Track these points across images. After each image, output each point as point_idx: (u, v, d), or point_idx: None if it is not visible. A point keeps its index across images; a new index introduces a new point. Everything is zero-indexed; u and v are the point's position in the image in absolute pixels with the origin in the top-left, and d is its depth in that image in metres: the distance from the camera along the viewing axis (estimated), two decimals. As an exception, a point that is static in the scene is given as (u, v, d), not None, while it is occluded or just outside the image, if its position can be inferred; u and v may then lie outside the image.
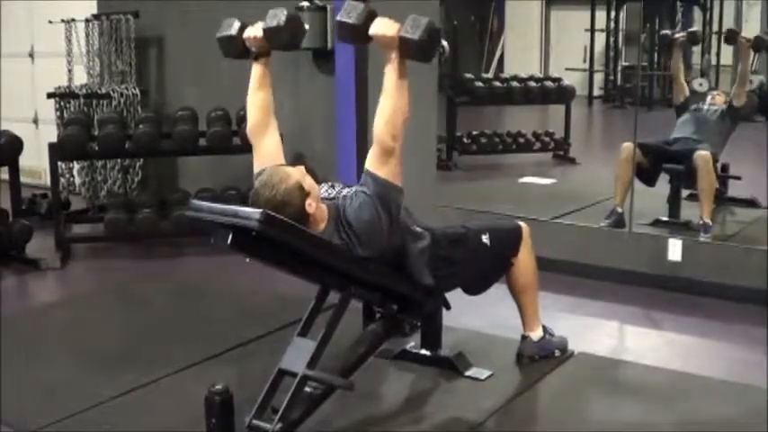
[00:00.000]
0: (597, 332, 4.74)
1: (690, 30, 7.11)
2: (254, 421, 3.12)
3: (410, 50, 3.18)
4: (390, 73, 3.23)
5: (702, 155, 5.68)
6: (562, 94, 8.45)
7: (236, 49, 3.64)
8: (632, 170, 5.79)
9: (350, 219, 3.24)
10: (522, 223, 3.91)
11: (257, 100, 3.62)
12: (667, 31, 6.75)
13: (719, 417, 3.51)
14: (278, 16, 3.42)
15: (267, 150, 3.54)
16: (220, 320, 4.67)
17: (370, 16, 3.21)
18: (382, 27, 3.21)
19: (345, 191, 3.44)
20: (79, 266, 6.15)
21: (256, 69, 3.62)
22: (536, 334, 3.97)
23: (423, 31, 3.14)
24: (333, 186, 3.54)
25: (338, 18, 3.24)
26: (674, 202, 6.00)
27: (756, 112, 6.70)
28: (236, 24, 3.61)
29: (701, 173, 5.66)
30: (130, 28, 7.20)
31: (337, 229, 3.27)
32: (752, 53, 6.17)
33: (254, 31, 3.54)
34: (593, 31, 8.92)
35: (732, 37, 6.34)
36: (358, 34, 3.23)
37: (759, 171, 6.25)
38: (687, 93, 6.25)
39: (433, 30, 3.18)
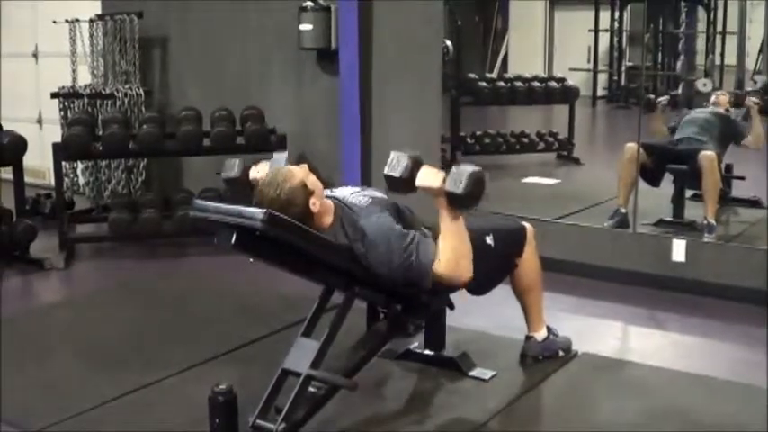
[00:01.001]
0: (601, 332, 4.73)
1: (672, 93, 7.12)
2: (258, 421, 3.13)
3: (455, 203, 3.24)
4: (444, 219, 3.28)
5: (707, 155, 5.68)
6: (566, 95, 8.43)
7: (243, 188, 3.72)
8: (636, 170, 5.78)
9: (367, 237, 3.26)
10: (526, 224, 3.91)
11: None
12: (651, 96, 6.75)
13: (723, 417, 3.51)
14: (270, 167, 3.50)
15: None
16: (224, 320, 4.67)
17: (415, 166, 3.26)
18: (427, 179, 3.25)
19: (360, 196, 3.44)
20: (83, 266, 6.15)
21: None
22: (540, 334, 3.98)
23: (466, 185, 3.20)
24: (339, 189, 3.55)
25: (385, 172, 3.28)
26: (677, 202, 6.00)
27: (760, 113, 6.69)
28: (237, 167, 3.77)
29: (706, 173, 5.65)
30: (134, 28, 7.21)
31: (343, 228, 3.27)
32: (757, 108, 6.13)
33: (259, 174, 3.63)
34: (597, 31, 8.90)
35: (740, 101, 6.29)
36: (404, 186, 3.27)
37: (763, 171, 6.24)
38: (666, 133, 6.25)
39: (477, 179, 3.24)
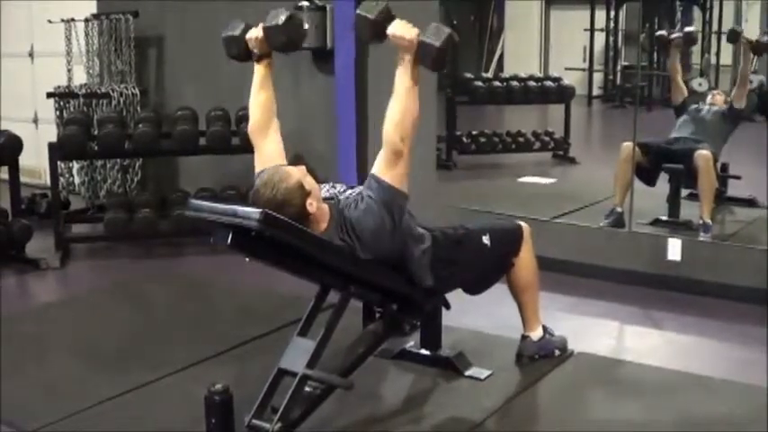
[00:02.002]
0: (597, 332, 4.74)
1: (686, 30, 7.11)
2: (254, 421, 3.12)
3: (428, 56, 3.19)
4: (403, 76, 3.24)
5: (703, 154, 5.68)
6: (562, 94, 8.46)
7: (239, 50, 3.66)
8: (632, 170, 5.79)
9: (354, 222, 3.24)
10: (522, 223, 3.91)
11: (259, 101, 3.61)
12: (664, 32, 6.73)
13: (719, 416, 3.51)
14: (277, 16, 3.44)
15: (269, 151, 3.54)
16: (220, 320, 4.67)
17: (389, 15, 3.23)
18: (401, 28, 3.22)
19: (348, 192, 3.44)
20: (79, 266, 6.15)
21: (258, 71, 3.63)
22: (536, 334, 3.98)
23: (444, 41, 3.16)
24: (334, 186, 3.54)
25: (358, 11, 3.26)
26: (673, 201, 6.00)
27: (756, 112, 6.70)
28: (241, 26, 3.62)
29: (702, 172, 5.66)
30: (130, 28, 7.20)
31: (338, 229, 3.26)
32: (752, 55, 6.15)
33: (256, 32, 3.56)
34: (592, 30, 8.93)
35: (734, 37, 6.32)
36: (375, 30, 3.23)
37: (759, 170, 6.25)
38: (686, 93, 6.25)
39: (452, 41, 3.20)
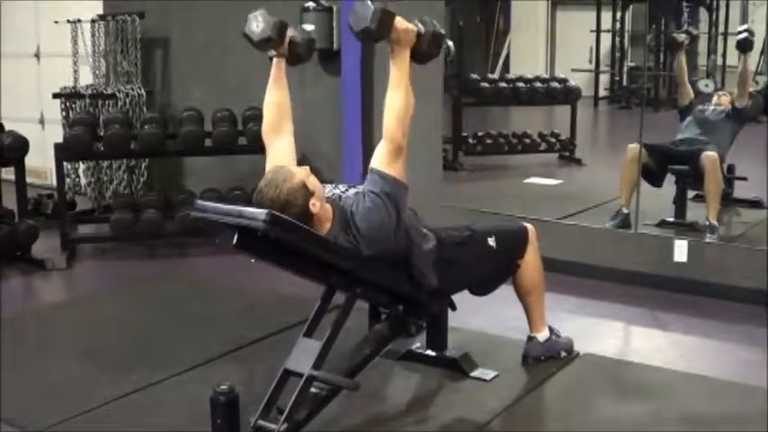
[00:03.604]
0: (603, 333, 4.73)
1: (688, 30, 7.09)
2: (260, 422, 3.12)
3: (425, 46, 3.30)
4: (402, 70, 3.27)
5: (709, 156, 5.67)
6: (568, 95, 8.44)
7: (279, 49, 3.62)
8: (638, 171, 5.78)
9: (358, 219, 3.24)
10: (528, 225, 3.91)
11: (272, 100, 3.60)
12: (675, 34, 6.72)
13: (725, 417, 3.50)
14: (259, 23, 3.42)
15: (280, 151, 3.52)
16: (225, 321, 4.67)
17: (386, 16, 3.21)
18: (404, 22, 3.28)
19: (351, 191, 3.43)
20: (85, 267, 6.15)
21: (273, 69, 3.60)
22: (542, 335, 3.97)
23: (440, 27, 3.30)
24: (336, 187, 3.54)
25: (357, 30, 3.24)
26: (680, 202, 5.99)
27: (762, 113, 6.69)
28: (270, 24, 3.54)
29: (708, 174, 5.65)
30: (136, 28, 7.21)
31: (343, 229, 3.26)
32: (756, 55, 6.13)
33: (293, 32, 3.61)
34: (598, 31, 8.91)
35: (748, 46, 6.25)
36: (383, 26, 3.20)
37: (765, 172, 6.24)
38: (692, 95, 6.23)
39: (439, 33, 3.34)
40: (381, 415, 3.53)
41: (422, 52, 3.32)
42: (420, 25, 3.31)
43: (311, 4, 6.23)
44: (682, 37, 6.51)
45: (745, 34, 5.98)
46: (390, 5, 3.21)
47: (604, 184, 6.71)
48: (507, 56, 9.50)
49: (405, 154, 3.26)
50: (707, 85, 6.76)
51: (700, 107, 6.15)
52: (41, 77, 8.66)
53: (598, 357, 4.14)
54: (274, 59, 3.62)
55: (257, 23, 3.45)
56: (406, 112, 3.26)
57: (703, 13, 8.20)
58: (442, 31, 3.37)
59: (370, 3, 3.14)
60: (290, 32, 3.56)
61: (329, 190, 3.49)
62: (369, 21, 3.13)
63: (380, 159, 3.27)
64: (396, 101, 3.26)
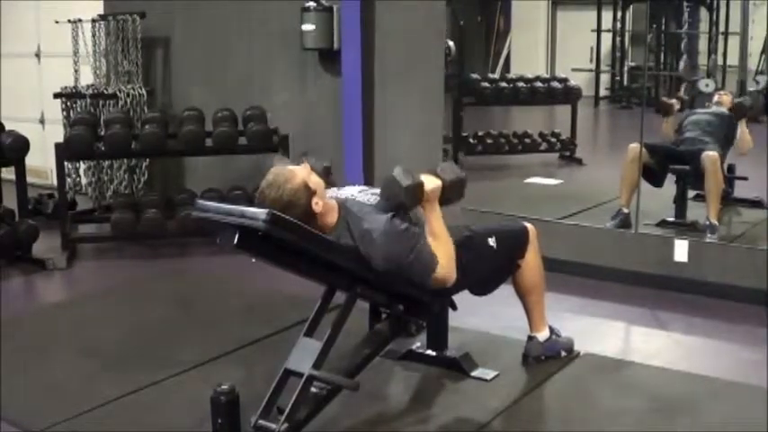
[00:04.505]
0: (603, 332, 4.73)
1: (680, 96, 7.11)
2: (260, 421, 3.13)
3: (453, 192, 3.49)
4: (438, 219, 3.42)
5: (710, 155, 5.67)
6: (568, 95, 8.43)
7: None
8: (639, 171, 5.78)
9: (373, 244, 3.26)
10: (528, 225, 3.91)
11: None
12: (664, 99, 6.75)
13: (726, 417, 3.51)
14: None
15: None
16: (226, 320, 4.68)
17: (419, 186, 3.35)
18: (431, 181, 3.40)
19: (364, 197, 3.43)
20: (85, 266, 6.15)
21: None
22: (542, 335, 3.98)
23: (460, 172, 3.52)
24: (352, 186, 3.55)
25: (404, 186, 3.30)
26: (680, 202, 5.99)
27: (763, 113, 6.68)
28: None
29: (709, 173, 5.65)
30: (137, 28, 7.21)
31: (346, 229, 3.27)
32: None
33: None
34: (599, 31, 8.89)
35: None
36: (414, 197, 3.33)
37: (765, 172, 6.23)
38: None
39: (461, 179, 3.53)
40: (382, 415, 3.53)
41: (448, 199, 3.50)
42: (443, 176, 3.45)
43: (311, 4, 6.23)
44: (672, 101, 6.52)
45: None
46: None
47: (605, 183, 6.70)
48: (508, 56, 9.49)
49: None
50: (707, 85, 6.75)
51: (700, 107, 6.15)
52: (42, 77, 8.66)
53: (599, 357, 4.14)
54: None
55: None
56: (450, 256, 3.37)
57: (704, 13, 8.20)
58: (463, 176, 3.52)
59: (399, 180, 3.26)
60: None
61: (338, 191, 3.50)
62: (402, 197, 3.27)
63: (436, 272, 3.34)
64: (441, 251, 3.35)
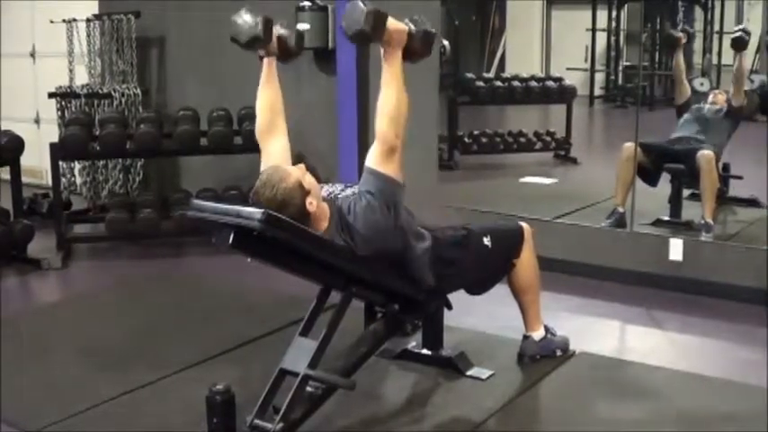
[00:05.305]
0: (598, 332, 4.74)
1: (685, 28, 7.10)
2: (256, 421, 3.12)
3: (419, 44, 3.29)
4: (395, 70, 3.25)
5: (705, 154, 5.68)
6: (563, 94, 8.45)
7: (267, 47, 3.63)
8: (634, 170, 5.79)
9: (353, 218, 3.24)
10: (524, 224, 3.91)
11: (265, 100, 3.60)
12: (672, 31, 6.73)
13: (721, 416, 3.51)
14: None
15: (274, 152, 3.52)
16: (221, 320, 4.67)
17: (379, 17, 3.20)
18: (396, 23, 3.27)
19: (348, 190, 3.44)
20: (80, 266, 6.15)
21: (264, 68, 3.61)
22: (538, 334, 3.98)
23: (430, 25, 3.29)
24: (333, 186, 3.54)
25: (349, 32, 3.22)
26: (675, 201, 5.99)
27: (758, 112, 6.70)
28: (258, 23, 3.50)
29: (704, 172, 5.65)
30: (132, 28, 7.20)
31: (339, 228, 3.26)
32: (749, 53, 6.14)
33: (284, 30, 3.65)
34: (594, 30, 8.91)
35: (742, 46, 6.24)
36: (377, 28, 3.19)
37: (761, 170, 6.24)
38: (689, 93, 6.24)
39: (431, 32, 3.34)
40: (377, 414, 3.53)
41: (414, 51, 3.31)
42: (411, 25, 3.31)
43: (306, 4, 6.23)
44: (679, 34, 6.52)
45: (739, 33, 5.99)
46: (385, 5, 3.21)
47: (600, 182, 6.71)
48: (503, 55, 9.50)
49: (399, 153, 3.25)
50: (702, 84, 6.77)
51: (696, 106, 6.16)
52: (37, 77, 8.65)
53: (594, 356, 4.15)
54: (264, 59, 3.61)
55: (242, 23, 3.44)
56: (398, 111, 3.23)
57: (699, 12, 8.22)
58: (434, 30, 3.36)
59: (361, 4, 3.12)
60: (277, 29, 3.54)
61: (326, 189, 3.49)
62: (362, 23, 3.11)
63: (374, 159, 3.26)
64: (387, 101, 3.24)
